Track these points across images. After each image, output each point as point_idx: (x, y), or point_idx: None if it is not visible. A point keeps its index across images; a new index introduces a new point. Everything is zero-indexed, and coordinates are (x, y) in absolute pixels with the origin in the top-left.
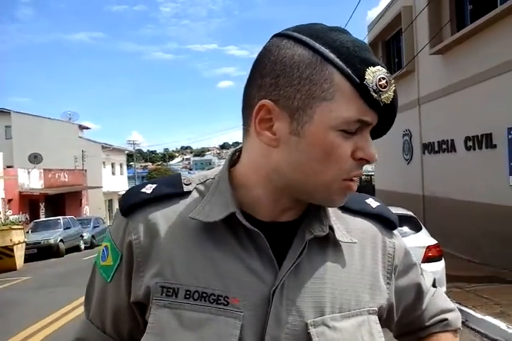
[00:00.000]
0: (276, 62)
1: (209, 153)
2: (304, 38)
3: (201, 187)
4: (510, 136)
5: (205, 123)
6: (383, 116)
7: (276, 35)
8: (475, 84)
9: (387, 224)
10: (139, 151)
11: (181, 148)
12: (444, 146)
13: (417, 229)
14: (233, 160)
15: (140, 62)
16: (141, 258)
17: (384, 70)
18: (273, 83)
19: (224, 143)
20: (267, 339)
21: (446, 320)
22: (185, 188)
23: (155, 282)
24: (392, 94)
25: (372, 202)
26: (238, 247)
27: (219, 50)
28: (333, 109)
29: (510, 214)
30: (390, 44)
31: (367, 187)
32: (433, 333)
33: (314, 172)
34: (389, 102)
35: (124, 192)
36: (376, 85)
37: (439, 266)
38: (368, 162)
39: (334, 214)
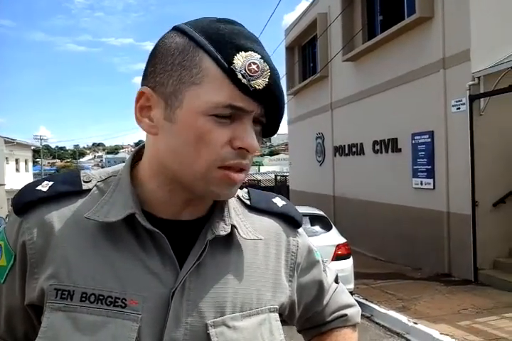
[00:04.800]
0: (156, 50)
1: (123, 150)
2: (184, 27)
3: (102, 185)
4: (413, 141)
5: (120, 119)
6: (267, 107)
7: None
8: (383, 92)
9: (291, 222)
10: (47, 147)
11: (93, 144)
12: (354, 149)
13: (327, 228)
14: (139, 156)
15: (51, 54)
16: (35, 259)
17: (257, 56)
18: (152, 71)
19: (139, 141)
20: (165, 340)
21: (345, 315)
22: (85, 186)
23: (49, 284)
24: (267, 80)
25: (279, 201)
26: (138, 247)
27: (135, 45)
28: (201, 94)
29: (413, 214)
30: (306, 49)
31: (282, 187)
32: (333, 328)
33: (189, 159)
34: (261, 88)
35: (20, 189)
36: (245, 70)
37: (348, 263)
38: (247, 151)
39: (242, 213)
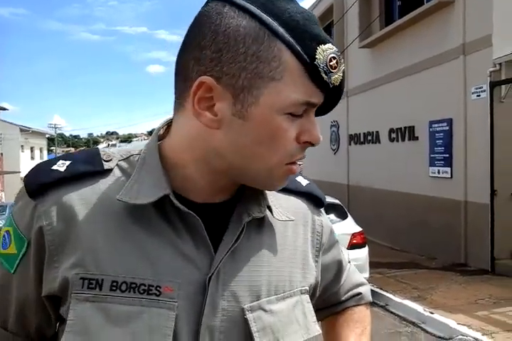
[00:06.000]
0: (218, 32)
1: (136, 139)
2: (249, 6)
3: (124, 164)
4: (431, 129)
5: (133, 108)
6: (329, 97)
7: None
8: (400, 79)
9: (316, 202)
10: (61, 135)
11: (107, 133)
12: (370, 138)
13: (343, 216)
14: (161, 135)
15: (65, 42)
16: (54, 246)
17: (335, 49)
18: (215, 57)
19: (152, 130)
20: (202, 328)
21: (360, 294)
22: (106, 165)
23: (74, 273)
24: (341, 74)
25: (302, 180)
26: (170, 231)
27: (149, 33)
28: (281, 91)
29: (429, 203)
30: None
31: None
32: (348, 307)
33: (258, 157)
34: (337, 84)
35: (31, 169)
36: (327, 65)
37: (363, 252)
38: (312, 145)
39: (271, 194)
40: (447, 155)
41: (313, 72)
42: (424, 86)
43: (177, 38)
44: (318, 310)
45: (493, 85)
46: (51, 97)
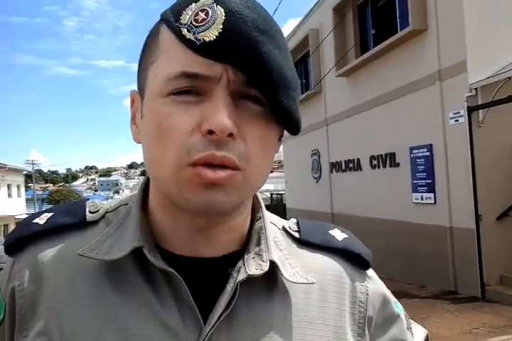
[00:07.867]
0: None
1: (116, 173)
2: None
3: (111, 216)
4: (412, 155)
5: (112, 141)
6: (247, 69)
7: None
8: (378, 106)
9: (357, 262)
10: (39, 171)
11: (85, 167)
12: (351, 165)
13: None
14: None
15: (41, 77)
16: (25, 310)
17: (209, 2)
18: (138, 70)
19: (132, 163)
20: None
21: None
22: (89, 217)
23: None
24: (222, 27)
25: (338, 234)
26: (150, 295)
27: (126, 66)
28: (158, 71)
29: (414, 230)
30: (298, 65)
31: (278, 206)
32: None
33: (154, 158)
34: (213, 39)
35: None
36: (191, 22)
37: None
38: (213, 133)
39: (287, 248)
40: (430, 181)
41: (179, 35)
42: (403, 112)
43: None
44: None
45: (471, 110)
46: (27, 132)
